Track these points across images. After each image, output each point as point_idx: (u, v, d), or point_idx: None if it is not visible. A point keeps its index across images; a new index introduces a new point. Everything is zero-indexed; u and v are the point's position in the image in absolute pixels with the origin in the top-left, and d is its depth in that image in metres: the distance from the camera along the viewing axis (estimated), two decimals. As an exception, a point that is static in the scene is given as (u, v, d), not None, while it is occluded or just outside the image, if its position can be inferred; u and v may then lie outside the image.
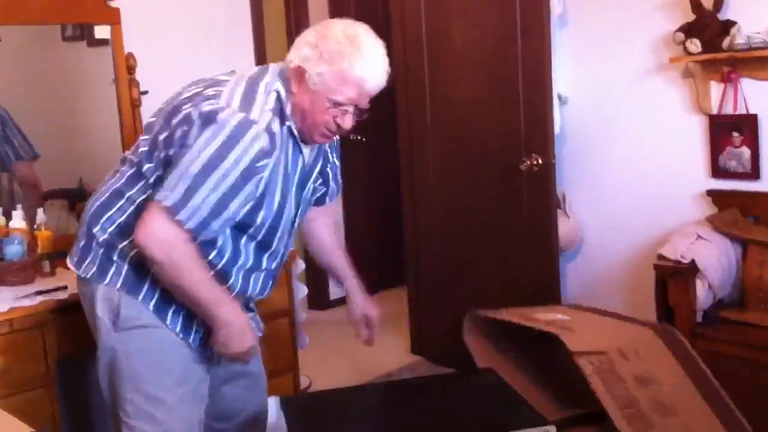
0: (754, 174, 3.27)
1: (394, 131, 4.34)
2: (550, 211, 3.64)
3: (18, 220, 2.80)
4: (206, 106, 1.85)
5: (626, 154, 3.66)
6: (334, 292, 5.28)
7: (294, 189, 2.05)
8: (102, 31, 3.19)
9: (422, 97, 4.11)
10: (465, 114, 3.93)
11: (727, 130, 3.32)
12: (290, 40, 5.26)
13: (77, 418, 2.84)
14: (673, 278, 3.05)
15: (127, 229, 1.96)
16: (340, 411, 1.92)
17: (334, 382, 3.50)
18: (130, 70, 3.19)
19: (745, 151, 3.29)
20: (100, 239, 2.01)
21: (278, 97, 1.93)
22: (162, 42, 3.44)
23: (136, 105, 3.22)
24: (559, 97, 3.76)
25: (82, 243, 2.07)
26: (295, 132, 1.97)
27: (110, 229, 2.00)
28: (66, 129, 3.24)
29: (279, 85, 1.93)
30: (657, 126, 3.55)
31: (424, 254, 4.26)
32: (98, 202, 2.05)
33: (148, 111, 3.13)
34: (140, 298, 2.00)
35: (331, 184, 2.31)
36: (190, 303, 1.95)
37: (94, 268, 2.02)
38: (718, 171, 3.37)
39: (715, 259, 3.07)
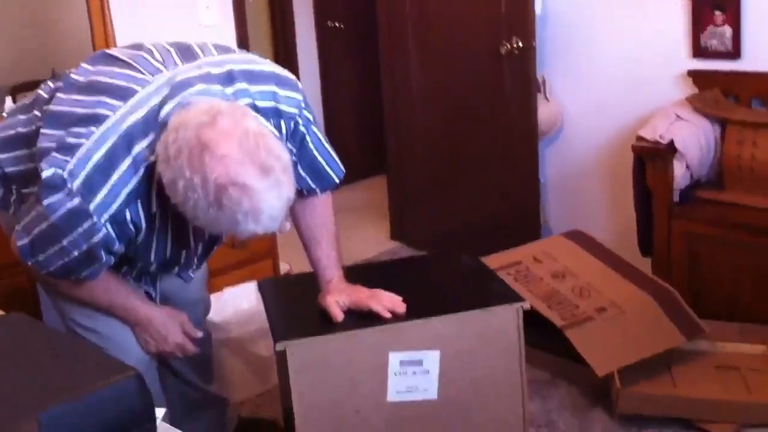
0: (736, 53, 3.23)
1: (373, 18, 4.24)
2: (530, 94, 3.61)
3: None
4: (45, 170, 1.54)
5: (607, 36, 3.60)
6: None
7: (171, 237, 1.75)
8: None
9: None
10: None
11: (709, 9, 3.26)
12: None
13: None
14: (651, 159, 3.05)
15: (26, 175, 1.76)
16: (317, 291, 1.94)
17: (314, 267, 3.53)
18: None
19: (727, 30, 3.23)
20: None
21: (146, 175, 1.55)
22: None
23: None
24: (540, -22, 3.67)
25: None
26: (155, 210, 1.62)
27: (8, 169, 1.80)
28: (36, 21, 3.15)
29: (152, 158, 1.53)
30: (637, 5, 3.47)
31: (404, 141, 4.23)
32: (4, 135, 1.82)
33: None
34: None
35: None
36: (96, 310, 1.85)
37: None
38: (699, 51, 3.32)
39: (693, 139, 3.06)
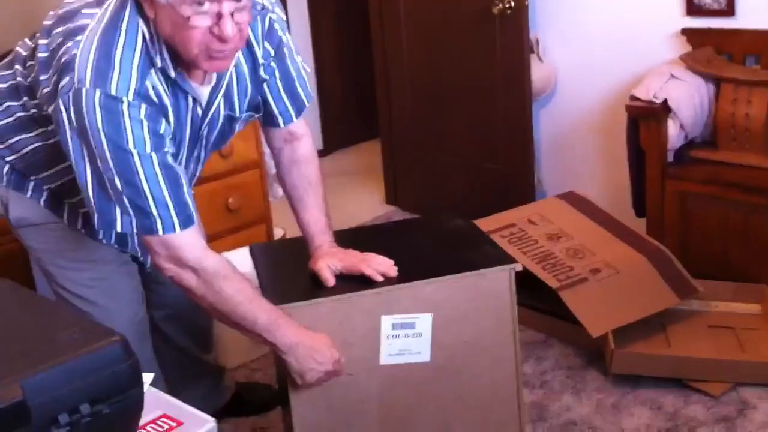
0: (730, 10, 3.19)
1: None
2: (523, 55, 3.58)
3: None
4: (64, 84, 1.54)
5: (601, -6, 3.57)
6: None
7: (188, 140, 1.74)
8: None
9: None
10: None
11: (703, -35, 3.22)
12: None
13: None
14: (644, 118, 3.03)
15: (2, 134, 1.80)
16: (309, 256, 1.92)
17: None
18: None
19: (722, -13, 3.20)
20: None
21: (144, 43, 1.56)
22: None
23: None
24: (532, -64, 3.62)
25: None
26: (171, 73, 1.60)
27: None
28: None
29: (141, 25, 1.55)
30: (632, -37, 3.44)
31: (396, 105, 4.20)
32: None
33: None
34: (28, 195, 1.85)
35: (273, 106, 1.86)
36: (239, 330, 1.73)
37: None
38: (693, 8, 3.29)
39: (687, 98, 3.03)
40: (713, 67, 3.13)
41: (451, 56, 3.87)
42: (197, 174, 1.94)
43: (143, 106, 1.54)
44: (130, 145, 1.52)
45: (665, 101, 2.99)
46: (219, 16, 1.48)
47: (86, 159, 1.55)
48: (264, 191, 3.07)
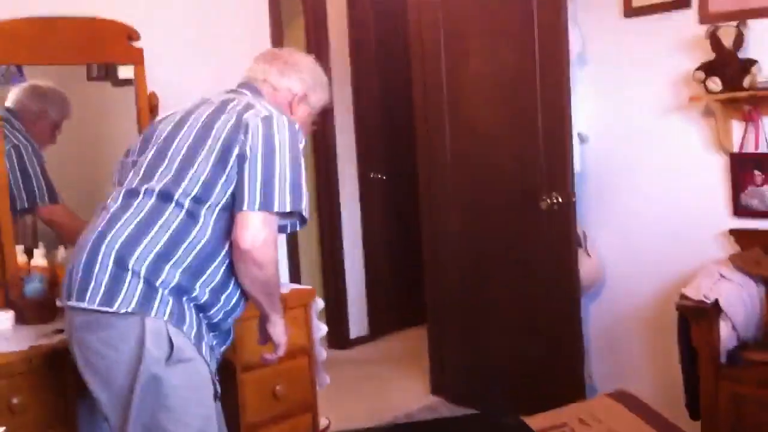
0: (776, 211, 3.25)
1: (413, 169, 4.34)
2: (571, 249, 3.62)
3: (39, 258, 2.82)
4: (262, 112, 2.15)
5: (647, 192, 3.64)
6: (354, 330, 5.28)
7: None
8: (126, 71, 3.23)
9: (442, 132, 4.12)
10: (484, 152, 3.93)
11: (748, 169, 3.30)
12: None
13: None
14: (696, 318, 3.01)
15: (165, 257, 2.02)
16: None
17: (353, 422, 3.47)
18: (153, 108, 3.22)
19: (767, 190, 3.26)
20: (138, 270, 2.00)
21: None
22: (184, 75, 3.47)
23: (158, 144, 3.24)
24: (579, 136, 3.75)
25: (105, 277, 2.02)
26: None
27: (149, 258, 2.01)
28: (88, 168, 3.27)
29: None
30: (678, 165, 3.53)
31: (444, 293, 4.23)
32: (126, 234, 2.04)
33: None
34: (184, 328, 2.03)
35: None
36: (266, 296, 2.17)
37: (135, 300, 1.99)
38: (740, 209, 3.34)
39: (738, 298, 3.03)
40: (763, 267, 3.14)
41: (499, 249, 3.92)
42: None
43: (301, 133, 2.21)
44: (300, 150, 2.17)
45: (716, 301, 2.98)
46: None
47: (276, 151, 2.08)
48: (312, 379, 3.06)
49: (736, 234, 3.34)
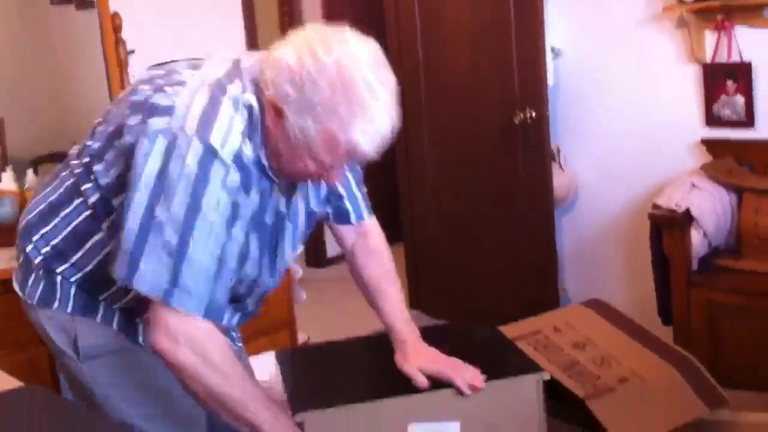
0: (749, 122, 3.26)
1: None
2: (545, 163, 3.64)
3: (9, 182, 2.80)
4: (157, 125, 1.45)
5: (621, 105, 3.64)
6: (331, 249, 5.32)
7: (270, 230, 1.64)
8: (88, -8, 3.18)
9: (416, 60, 4.08)
10: (458, 67, 3.90)
11: (721, 78, 3.30)
12: (281, 7, 5.26)
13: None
14: (668, 227, 3.05)
15: (64, 250, 1.63)
16: (335, 361, 1.93)
17: (331, 337, 3.50)
18: (116, 29, 3.17)
19: (740, 99, 3.27)
20: (36, 260, 1.66)
21: (250, 116, 1.48)
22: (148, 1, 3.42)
23: (122, 65, 3.20)
24: (553, 50, 3.73)
25: (19, 260, 1.74)
26: (265, 162, 1.52)
27: (44, 250, 1.65)
28: (56, 93, 3.23)
29: (251, 99, 1.49)
30: (651, 76, 3.53)
31: (420, 211, 4.26)
32: (33, 214, 1.69)
33: (135, 70, 3.13)
34: (98, 319, 1.67)
35: (346, 202, 1.85)
36: (229, 415, 1.54)
37: (38, 293, 1.67)
38: (712, 119, 3.36)
39: (710, 207, 3.06)
40: (734, 177, 3.17)
41: (474, 164, 3.93)
42: (285, 266, 1.82)
43: (234, 172, 1.45)
44: (204, 205, 1.42)
45: (687, 210, 3.01)
46: (332, 168, 1.53)
47: (148, 197, 1.43)
48: (289, 295, 3.09)
49: (708, 144, 3.37)
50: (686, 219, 3.01)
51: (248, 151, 1.47)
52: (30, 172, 2.91)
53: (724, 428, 2.73)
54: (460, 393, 1.77)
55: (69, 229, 1.63)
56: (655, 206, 3.10)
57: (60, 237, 1.63)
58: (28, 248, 1.67)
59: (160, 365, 1.54)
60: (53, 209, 1.65)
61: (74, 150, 1.70)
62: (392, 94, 1.48)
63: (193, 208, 1.42)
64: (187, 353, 1.47)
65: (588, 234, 3.84)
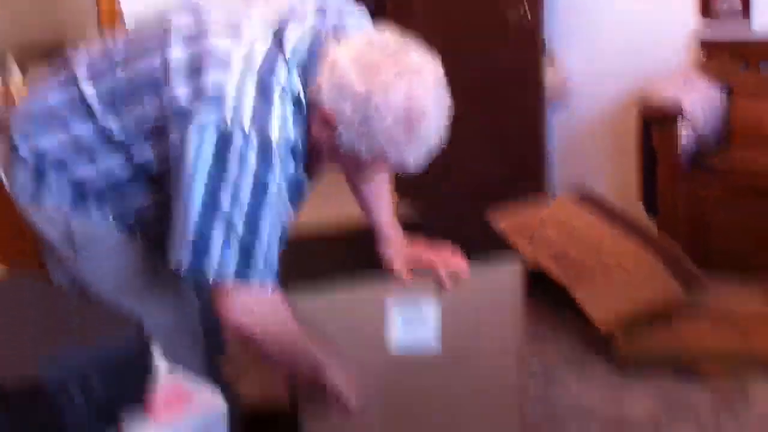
0: (745, 16, 3.22)
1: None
2: (538, 60, 3.60)
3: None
4: (210, 115, 1.39)
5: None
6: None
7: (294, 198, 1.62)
8: None
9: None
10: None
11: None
12: None
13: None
14: (657, 123, 3.05)
15: (64, 159, 1.57)
16: (316, 252, 1.96)
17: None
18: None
19: (736, -9, 3.22)
20: (24, 155, 1.58)
21: (296, 107, 1.46)
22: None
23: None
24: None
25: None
26: (301, 149, 1.52)
27: (37, 152, 1.57)
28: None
29: (298, 87, 1.45)
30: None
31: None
32: (32, 108, 1.62)
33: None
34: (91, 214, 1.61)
35: None
36: (294, 367, 1.67)
37: (27, 187, 1.60)
38: (707, 14, 3.31)
39: (700, 103, 3.06)
40: (726, 73, 3.16)
41: (466, 60, 3.88)
42: None
43: (290, 161, 1.48)
44: (270, 195, 1.43)
45: (678, 105, 3.01)
46: None
47: (207, 192, 1.40)
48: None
49: (702, 39, 3.33)
50: (676, 114, 3.01)
51: (293, 138, 1.47)
52: (15, 66, 2.85)
53: (701, 310, 2.81)
54: (441, 286, 1.82)
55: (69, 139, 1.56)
56: (646, 101, 3.09)
57: (59, 148, 1.57)
58: (17, 139, 1.59)
59: (157, 253, 1.56)
60: (61, 120, 1.57)
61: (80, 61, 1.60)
62: (446, 114, 1.57)
63: (259, 198, 1.42)
64: (266, 323, 1.53)
65: (578, 131, 3.83)
